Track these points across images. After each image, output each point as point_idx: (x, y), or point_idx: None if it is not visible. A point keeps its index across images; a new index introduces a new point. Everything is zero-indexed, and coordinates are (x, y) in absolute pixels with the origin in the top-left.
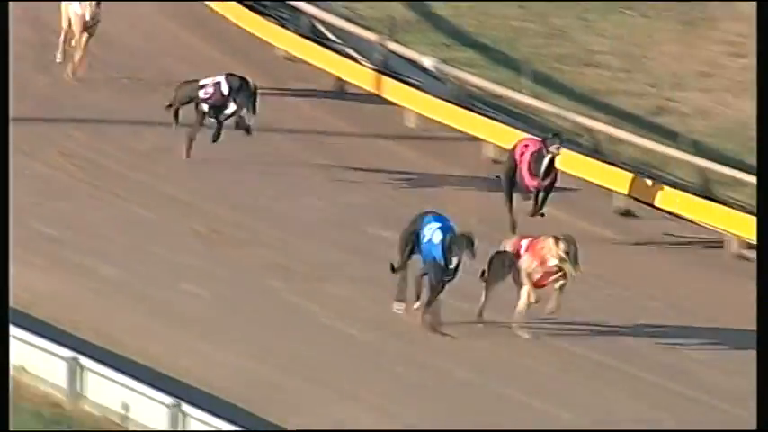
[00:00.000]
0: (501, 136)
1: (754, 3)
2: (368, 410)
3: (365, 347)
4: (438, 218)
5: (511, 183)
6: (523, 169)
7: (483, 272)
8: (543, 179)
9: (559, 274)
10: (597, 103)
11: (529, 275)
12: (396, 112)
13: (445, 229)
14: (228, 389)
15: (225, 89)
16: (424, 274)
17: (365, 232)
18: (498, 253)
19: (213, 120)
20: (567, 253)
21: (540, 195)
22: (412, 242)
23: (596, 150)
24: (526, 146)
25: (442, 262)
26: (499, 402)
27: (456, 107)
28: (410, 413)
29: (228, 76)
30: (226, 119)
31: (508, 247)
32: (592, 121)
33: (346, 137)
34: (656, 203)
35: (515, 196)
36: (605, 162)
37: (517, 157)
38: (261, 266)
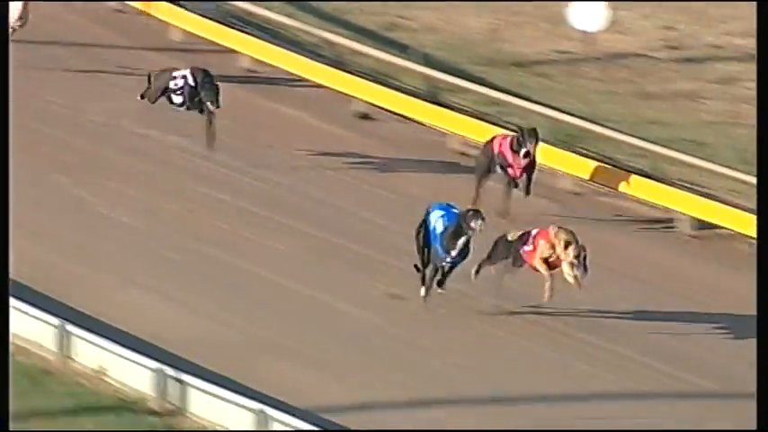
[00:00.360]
0: (254, 48)
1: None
2: (147, 292)
3: (137, 233)
4: (442, 206)
5: (484, 173)
6: (508, 161)
7: (489, 255)
8: (524, 169)
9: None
10: (339, 21)
11: (544, 260)
12: (163, 28)
13: (449, 217)
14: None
15: (191, 81)
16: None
17: (136, 133)
18: (502, 238)
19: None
20: (567, 245)
21: (524, 179)
22: (424, 237)
23: (338, 61)
24: (502, 142)
25: (441, 250)
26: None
27: (215, 23)
28: (187, 294)
29: (193, 69)
30: (193, 107)
31: (515, 236)
32: (334, 35)
33: (120, 49)
34: (390, 108)
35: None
36: (346, 71)
37: (496, 150)
38: (48, 163)
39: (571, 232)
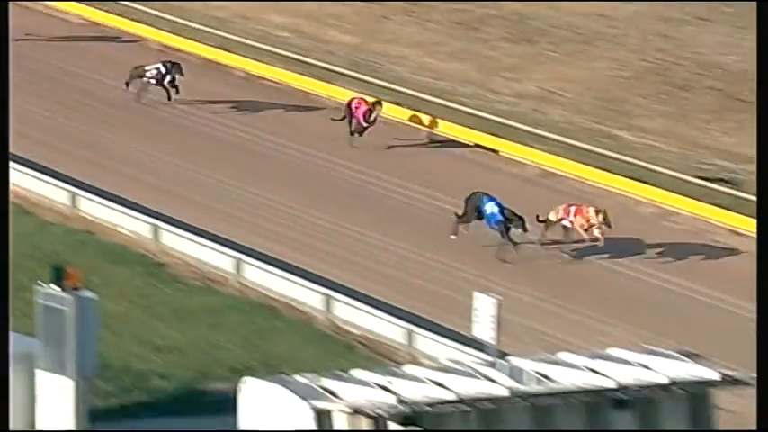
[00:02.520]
0: None
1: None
2: None
3: None
4: (492, 198)
5: (351, 122)
6: (359, 118)
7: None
8: (370, 124)
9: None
10: None
11: (581, 227)
12: None
13: (498, 204)
14: None
15: (162, 70)
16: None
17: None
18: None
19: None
20: (597, 212)
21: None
22: (476, 211)
23: None
24: (359, 104)
25: (503, 220)
26: None
27: None
28: None
29: (164, 62)
30: (165, 85)
31: (560, 212)
32: None
33: None
34: None
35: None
36: None
37: (353, 108)
38: None
39: (595, 207)
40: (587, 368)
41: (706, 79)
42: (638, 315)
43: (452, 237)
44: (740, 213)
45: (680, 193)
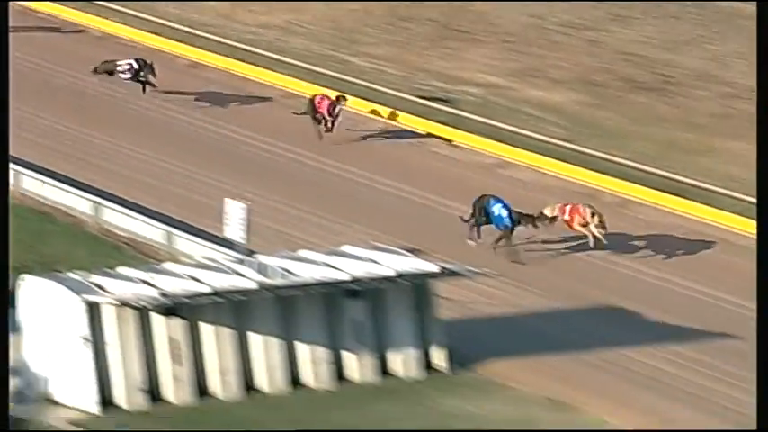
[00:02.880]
0: None
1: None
2: None
3: None
4: (498, 200)
5: (314, 116)
6: (324, 112)
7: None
8: (335, 118)
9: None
10: None
11: (580, 225)
12: None
13: (505, 206)
14: None
15: (136, 66)
16: (501, 237)
17: None
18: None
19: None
20: (593, 215)
21: (330, 123)
22: (484, 214)
23: None
24: (321, 99)
25: (510, 225)
26: None
27: None
28: None
29: (136, 59)
30: (138, 80)
31: (556, 209)
32: None
33: None
34: None
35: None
36: None
37: (316, 104)
38: None
39: (592, 206)
40: (325, 264)
41: (426, 11)
42: (368, 217)
43: (470, 242)
44: (456, 128)
45: (403, 110)
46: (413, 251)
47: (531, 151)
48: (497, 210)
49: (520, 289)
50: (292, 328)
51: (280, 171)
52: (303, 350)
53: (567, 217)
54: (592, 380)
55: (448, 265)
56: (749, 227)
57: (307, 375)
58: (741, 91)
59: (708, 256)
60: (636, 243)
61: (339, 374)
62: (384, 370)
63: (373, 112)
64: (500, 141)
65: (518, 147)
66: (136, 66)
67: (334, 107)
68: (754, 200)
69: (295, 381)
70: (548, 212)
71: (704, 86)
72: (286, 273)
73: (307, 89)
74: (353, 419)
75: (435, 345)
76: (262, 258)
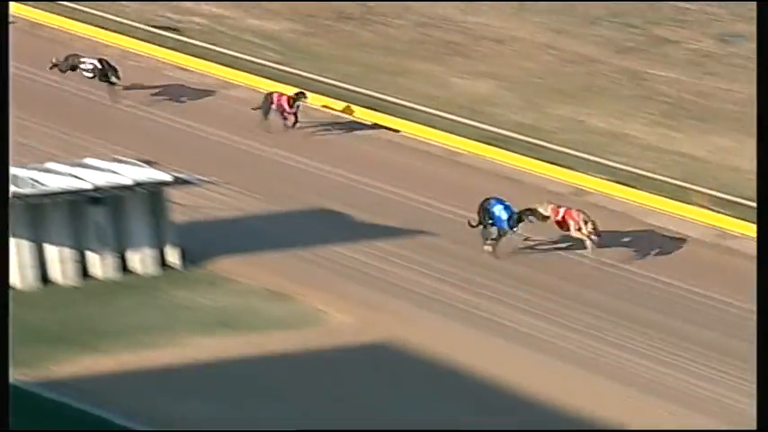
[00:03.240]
0: None
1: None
2: None
3: None
4: (500, 201)
5: (267, 112)
6: (284, 108)
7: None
8: (294, 114)
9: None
10: None
11: (575, 229)
12: None
13: (507, 208)
14: None
15: (99, 66)
16: (499, 236)
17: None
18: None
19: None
20: (585, 222)
21: (292, 118)
22: (488, 216)
23: None
24: (280, 96)
25: (508, 228)
26: None
27: None
28: None
29: (100, 59)
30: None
31: (548, 210)
32: None
33: None
34: None
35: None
36: None
37: (275, 100)
38: None
39: (586, 213)
40: (70, 174)
41: None
42: (108, 132)
43: (487, 249)
44: (185, 53)
45: (136, 38)
46: (149, 162)
47: (250, 73)
48: (498, 211)
49: (244, 195)
50: (42, 231)
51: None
52: (52, 251)
53: (559, 218)
54: (308, 274)
55: (180, 175)
56: (445, 138)
57: (55, 273)
58: (436, 20)
59: (403, 164)
60: (346, 153)
61: (84, 272)
62: (124, 268)
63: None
64: (223, 65)
65: (239, 69)
66: (99, 66)
67: (293, 102)
68: (452, 115)
69: (45, 278)
70: (542, 211)
71: (403, 16)
72: (35, 183)
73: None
74: (97, 311)
75: (169, 245)
76: (12, 171)
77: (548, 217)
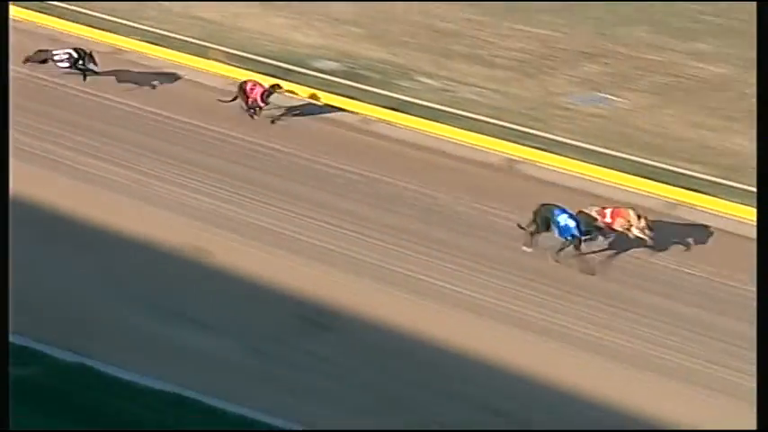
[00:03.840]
0: None
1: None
2: None
3: None
4: (563, 210)
5: (246, 101)
6: (257, 99)
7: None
8: (266, 104)
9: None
10: None
11: (622, 227)
12: None
13: (572, 217)
14: None
15: (75, 55)
16: (565, 247)
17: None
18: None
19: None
20: (638, 217)
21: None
22: (545, 224)
23: None
24: (254, 86)
25: (579, 234)
26: None
27: None
28: None
29: (75, 48)
30: (78, 68)
31: (594, 211)
32: None
33: None
34: None
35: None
36: None
37: (248, 90)
38: None
39: (635, 209)
40: None
41: None
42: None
43: (525, 248)
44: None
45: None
46: None
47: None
48: (563, 220)
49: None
50: None
51: None
52: None
53: (607, 220)
54: None
55: None
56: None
57: None
58: None
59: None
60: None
61: None
62: None
63: None
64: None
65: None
66: (75, 55)
67: (269, 95)
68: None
69: None
70: (593, 211)
71: None
72: None
73: None
74: None
75: None
76: None
77: (596, 219)
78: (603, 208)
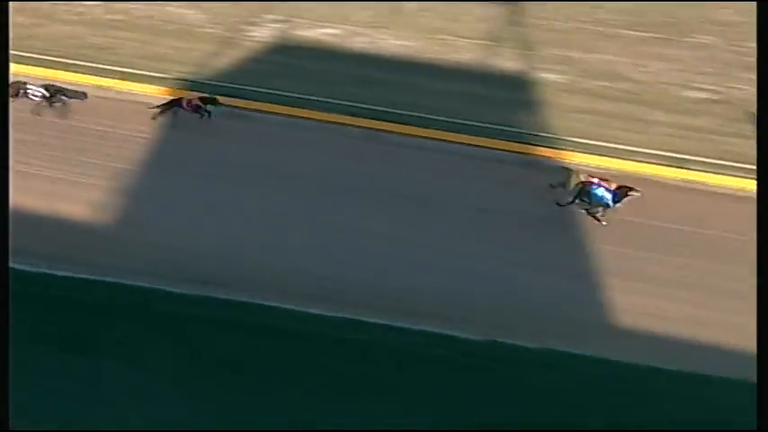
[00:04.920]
0: None
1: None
2: None
3: None
4: (599, 185)
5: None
6: (193, 106)
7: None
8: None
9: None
10: None
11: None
12: None
13: (607, 189)
14: None
15: (45, 93)
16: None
17: None
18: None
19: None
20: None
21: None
22: (587, 197)
23: None
24: (189, 100)
25: (613, 204)
26: None
27: None
28: None
29: (47, 85)
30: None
31: (582, 178)
32: None
33: None
34: None
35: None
36: None
37: (184, 106)
38: None
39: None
40: None
41: None
42: None
43: (603, 222)
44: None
45: None
46: None
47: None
48: (600, 192)
49: None
50: None
51: None
52: None
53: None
54: None
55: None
56: None
57: None
58: None
59: None
60: None
61: None
62: None
63: None
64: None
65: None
66: (47, 94)
67: (209, 102)
68: None
69: None
70: (582, 177)
71: None
72: None
73: None
74: None
75: None
76: None
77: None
78: (590, 175)
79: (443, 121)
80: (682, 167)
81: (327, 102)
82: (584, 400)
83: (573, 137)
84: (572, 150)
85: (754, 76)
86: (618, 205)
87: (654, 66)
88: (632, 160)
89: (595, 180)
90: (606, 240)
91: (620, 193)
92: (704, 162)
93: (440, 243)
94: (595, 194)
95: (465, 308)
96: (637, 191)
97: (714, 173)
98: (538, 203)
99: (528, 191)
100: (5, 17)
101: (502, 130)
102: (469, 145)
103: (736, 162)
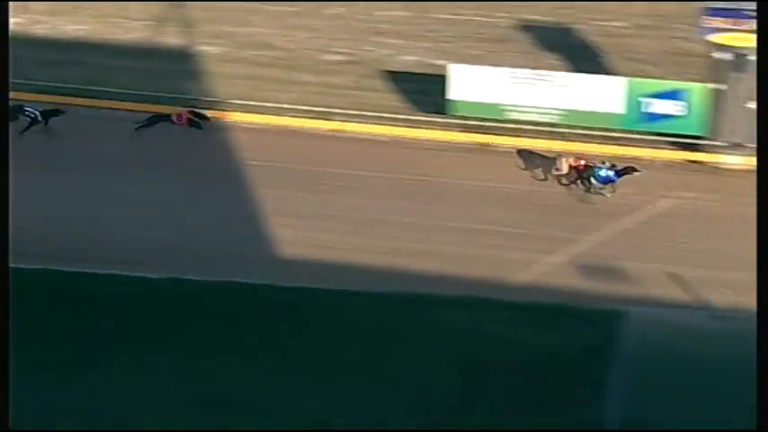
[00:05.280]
0: None
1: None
2: None
3: None
4: (601, 167)
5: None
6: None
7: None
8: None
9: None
10: None
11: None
12: None
13: (610, 167)
14: None
15: (39, 117)
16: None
17: None
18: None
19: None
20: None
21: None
22: (590, 177)
23: None
24: (179, 115)
25: (616, 180)
26: None
27: None
28: None
29: (42, 111)
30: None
31: (572, 161)
32: None
33: None
34: None
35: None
36: None
37: (174, 119)
38: None
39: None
40: None
41: None
42: None
43: (608, 195)
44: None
45: None
46: None
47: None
48: (604, 173)
49: None
50: None
51: None
52: None
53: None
54: None
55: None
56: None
57: None
58: None
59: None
60: None
61: None
62: None
63: None
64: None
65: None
66: (40, 117)
67: (196, 115)
68: None
69: None
70: (569, 160)
71: None
72: None
73: None
74: None
75: None
76: None
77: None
78: (576, 159)
79: (115, 92)
80: (327, 119)
81: (16, 83)
82: (259, 320)
83: (235, 99)
84: (234, 111)
85: (381, 40)
86: (619, 180)
87: (298, 35)
88: (287, 116)
89: (598, 163)
90: (266, 185)
91: (625, 171)
92: (345, 113)
93: (115, 191)
94: (600, 175)
95: (148, 252)
96: (638, 170)
97: (353, 122)
98: (206, 158)
99: (199, 147)
100: (5, 17)
101: (173, 97)
102: (139, 112)
103: (371, 112)
